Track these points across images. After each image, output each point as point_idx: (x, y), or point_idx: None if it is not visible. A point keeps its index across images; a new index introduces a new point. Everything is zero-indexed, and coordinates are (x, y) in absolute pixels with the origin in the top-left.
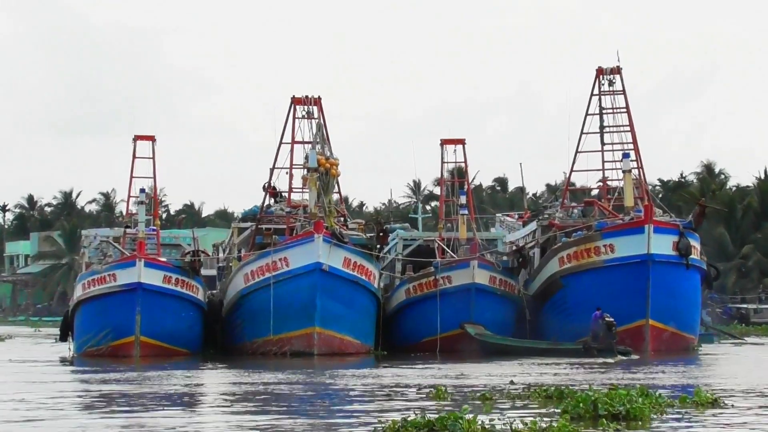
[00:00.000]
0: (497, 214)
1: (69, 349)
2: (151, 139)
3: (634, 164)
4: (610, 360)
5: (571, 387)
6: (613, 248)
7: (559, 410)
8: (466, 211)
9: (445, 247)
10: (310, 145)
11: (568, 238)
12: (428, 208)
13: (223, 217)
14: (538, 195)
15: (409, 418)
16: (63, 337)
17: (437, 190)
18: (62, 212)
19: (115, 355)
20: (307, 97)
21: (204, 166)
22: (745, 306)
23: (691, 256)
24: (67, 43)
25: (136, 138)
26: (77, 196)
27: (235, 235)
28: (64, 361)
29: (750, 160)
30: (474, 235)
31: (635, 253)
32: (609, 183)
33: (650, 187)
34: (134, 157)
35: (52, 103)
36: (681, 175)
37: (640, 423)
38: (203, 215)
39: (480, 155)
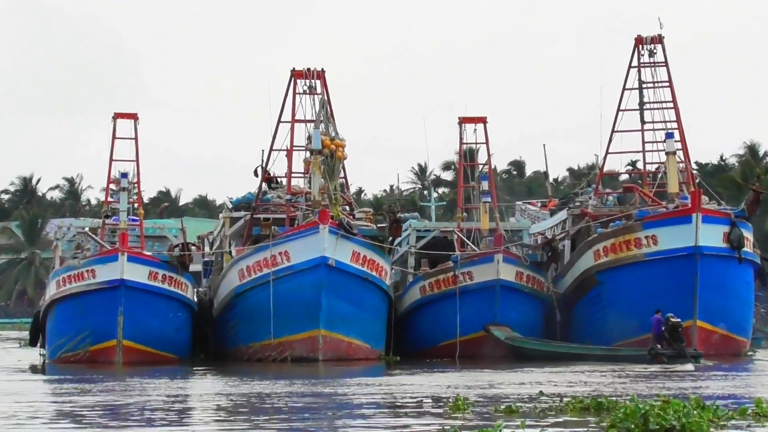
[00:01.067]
0: (517, 202)
1: (40, 354)
2: (134, 117)
3: (679, 145)
4: (686, 367)
5: (610, 398)
6: (656, 240)
7: (603, 424)
8: (489, 199)
9: (465, 239)
10: (312, 125)
11: (605, 229)
12: (435, 195)
13: (202, 206)
14: (559, 180)
15: None
16: (33, 342)
17: (445, 175)
18: (21, 200)
19: (94, 360)
20: (309, 69)
21: (180, 149)
22: None
23: (744, 249)
24: (23, 16)
25: (116, 116)
26: (37, 182)
27: (226, 225)
28: (35, 369)
29: None
30: (497, 226)
31: (681, 246)
32: (646, 166)
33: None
34: (114, 137)
35: (8, 81)
36: (721, 157)
37: None
38: (181, 203)
39: (493, 136)
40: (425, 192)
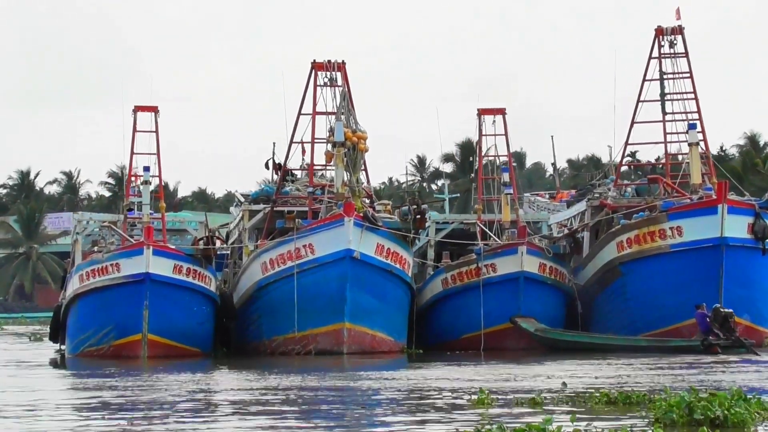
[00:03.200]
0: (525, 194)
1: (59, 349)
2: (154, 110)
3: (700, 136)
4: (748, 356)
5: (638, 391)
6: (681, 231)
7: (645, 415)
8: (511, 190)
9: (487, 231)
10: (334, 117)
11: (628, 220)
12: (435, 187)
13: (201, 199)
14: (559, 172)
15: (482, 430)
16: (54, 337)
17: (444, 167)
18: (19, 194)
19: (118, 355)
20: (329, 62)
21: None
22: None
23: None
24: (21, 9)
25: (137, 109)
26: (35, 177)
27: (245, 218)
28: (55, 363)
29: None
30: (517, 218)
31: (707, 237)
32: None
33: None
34: (135, 130)
35: (6, 75)
36: (721, 147)
37: (744, 430)
38: (179, 196)
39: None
40: (424, 184)
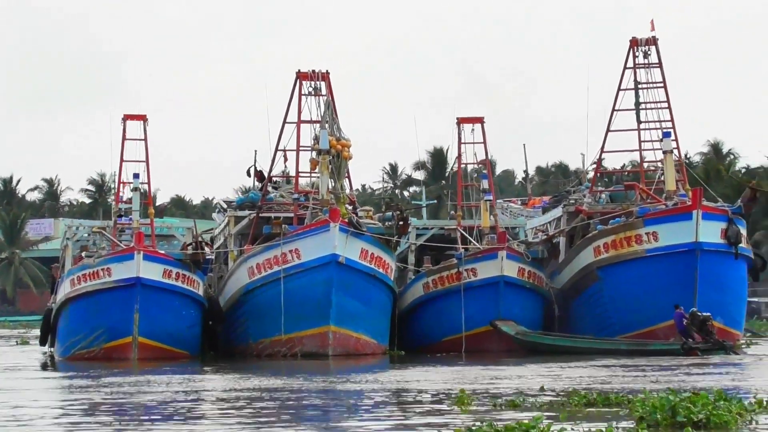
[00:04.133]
0: (498, 200)
1: (48, 352)
2: (143, 118)
3: (675, 144)
4: (735, 357)
5: (617, 393)
6: (656, 236)
7: (628, 416)
8: (491, 197)
9: (468, 236)
10: (317, 125)
11: (604, 226)
12: (407, 193)
13: (179, 206)
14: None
15: (473, 428)
16: (44, 341)
17: (416, 174)
18: (1, 201)
19: (109, 357)
20: (314, 71)
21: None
22: (755, 300)
23: (740, 245)
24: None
25: (126, 117)
26: (17, 183)
27: (231, 224)
28: (45, 366)
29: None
30: (496, 223)
31: (682, 242)
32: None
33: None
34: (124, 138)
35: None
36: (685, 155)
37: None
38: (157, 203)
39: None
40: (396, 191)
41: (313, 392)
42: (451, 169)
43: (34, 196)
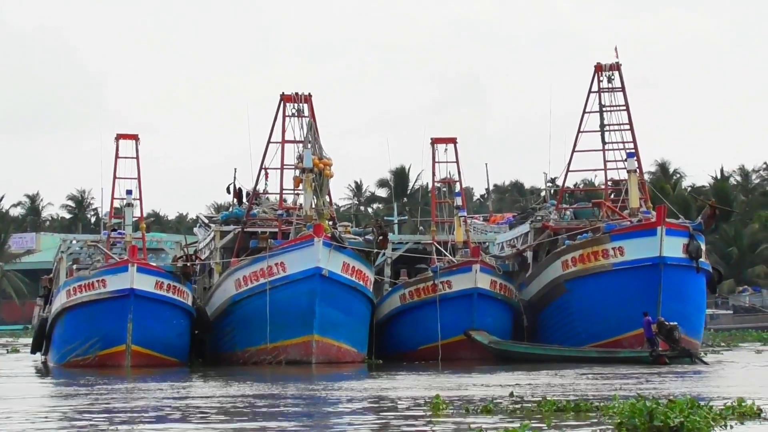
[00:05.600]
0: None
1: (41, 360)
2: (134, 138)
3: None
4: (704, 366)
5: (586, 400)
6: (622, 251)
7: (604, 421)
8: (465, 213)
9: (443, 251)
10: (300, 145)
11: (572, 241)
12: (370, 210)
13: (155, 221)
14: (485, 197)
15: None
16: (35, 348)
17: (380, 192)
18: None
19: (103, 365)
20: (297, 94)
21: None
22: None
23: (701, 259)
24: None
25: (119, 137)
26: (1, 199)
27: (216, 238)
28: (40, 373)
29: (706, 159)
30: (468, 238)
31: (646, 256)
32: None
33: (603, 188)
34: (117, 156)
35: None
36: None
37: None
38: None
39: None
40: (361, 208)
41: (294, 399)
42: (412, 186)
43: (17, 212)
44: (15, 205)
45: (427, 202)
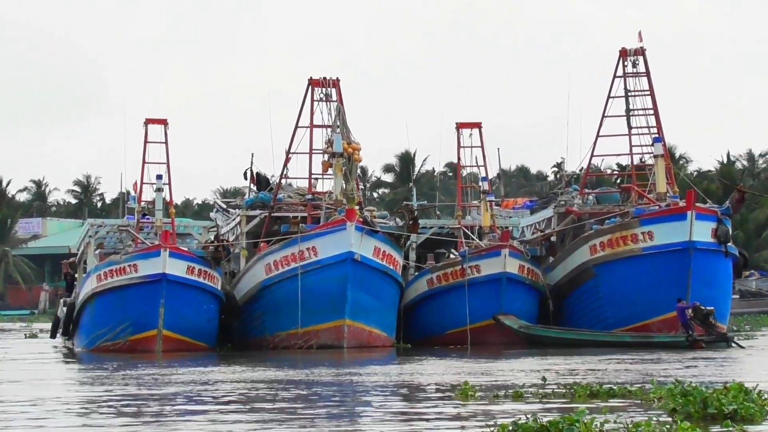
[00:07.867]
0: (474, 201)
1: (65, 344)
2: (164, 122)
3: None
4: (741, 350)
5: (621, 385)
6: (651, 235)
7: (661, 408)
8: (493, 197)
9: (471, 234)
10: (329, 129)
11: (600, 226)
12: (375, 195)
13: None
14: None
15: (519, 422)
16: (55, 333)
17: (386, 177)
18: None
19: (134, 349)
20: (325, 78)
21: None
22: None
23: (729, 244)
24: None
25: (147, 121)
26: (7, 185)
27: (243, 223)
28: (69, 358)
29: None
30: (493, 223)
31: (676, 241)
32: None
33: (608, 172)
34: (146, 141)
35: None
36: (641, 159)
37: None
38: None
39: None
40: (367, 193)
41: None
42: (418, 171)
43: (23, 197)
44: (21, 191)
45: (432, 186)
